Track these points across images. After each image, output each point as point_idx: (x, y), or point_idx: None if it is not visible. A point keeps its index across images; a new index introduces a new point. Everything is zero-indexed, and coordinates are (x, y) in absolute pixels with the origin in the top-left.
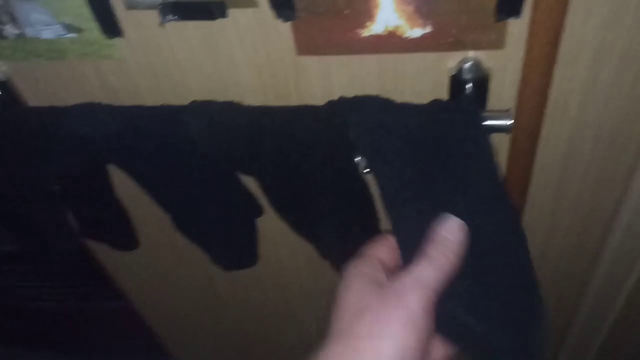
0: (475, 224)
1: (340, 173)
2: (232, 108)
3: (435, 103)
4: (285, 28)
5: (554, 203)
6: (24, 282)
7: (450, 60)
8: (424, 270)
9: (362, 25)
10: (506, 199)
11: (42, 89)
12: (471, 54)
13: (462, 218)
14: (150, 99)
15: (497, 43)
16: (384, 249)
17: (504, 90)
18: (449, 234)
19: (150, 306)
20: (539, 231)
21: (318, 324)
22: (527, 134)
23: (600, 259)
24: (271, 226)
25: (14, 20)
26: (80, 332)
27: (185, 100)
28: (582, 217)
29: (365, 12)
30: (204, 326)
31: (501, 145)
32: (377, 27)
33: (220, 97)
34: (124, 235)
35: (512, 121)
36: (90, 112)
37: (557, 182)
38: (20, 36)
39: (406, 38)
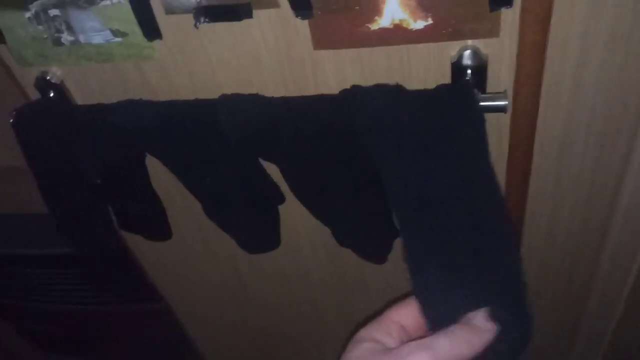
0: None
1: (354, 157)
2: (256, 100)
3: (438, 88)
4: (303, 25)
5: (555, 186)
6: (58, 285)
7: (451, 49)
8: (438, 341)
9: (371, 20)
10: (492, 178)
11: (90, 89)
12: (470, 42)
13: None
14: (185, 94)
15: (492, 32)
16: (407, 314)
17: (501, 75)
18: (480, 322)
19: (180, 302)
20: (543, 215)
21: (337, 313)
22: (525, 117)
23: (606, 241)
24: (293, 215)
25: (70, 28)
26: (109, 335)
27: (215, 94)
28: (584, 198)
29: (374, 8)
30: (230, 321)
31: (503, 131)
32: (384, 20)
33: (247, 90)
34: (159, 226)
35: (507, 102)
36: (131, 107)
37: (557, 166)
38: (75, 42)
39: (411, 30)
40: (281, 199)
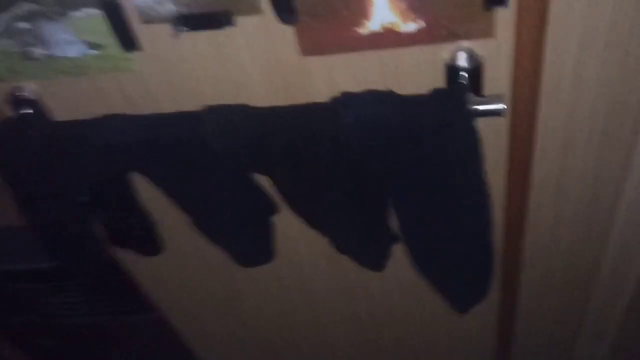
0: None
1: (346, 164)
2: (243, 110)
3: (430, 92)
4: (289, 31)
5: (558, 186)
6: (52, 298)
7: (445, 52)
8: None
9: (359, 24)
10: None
11: (68, 104)
12: (464, 44)
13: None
14: (167, 107)
15: (487, 32)
16: None
17: (499, 77)
18: None
19: (176, 313)
20: (546, 214)
21: (340, 319)
22: (525, 119)
23: (610, 239)
24: (290, 224)
25: (42, 42)
26: (106, 347)
27: (200, 106)
28: (587, 197)
29: (361, 11)
30: (229, 332)
31: (502, 134)
32: (373, 24)
33: (232, 101)
34: (147, 241)
35: (504, 105)
36: (111, 122)
37: (559, 166)
38: (48, 56)
39: (402, 33)
40: (274, 209)
